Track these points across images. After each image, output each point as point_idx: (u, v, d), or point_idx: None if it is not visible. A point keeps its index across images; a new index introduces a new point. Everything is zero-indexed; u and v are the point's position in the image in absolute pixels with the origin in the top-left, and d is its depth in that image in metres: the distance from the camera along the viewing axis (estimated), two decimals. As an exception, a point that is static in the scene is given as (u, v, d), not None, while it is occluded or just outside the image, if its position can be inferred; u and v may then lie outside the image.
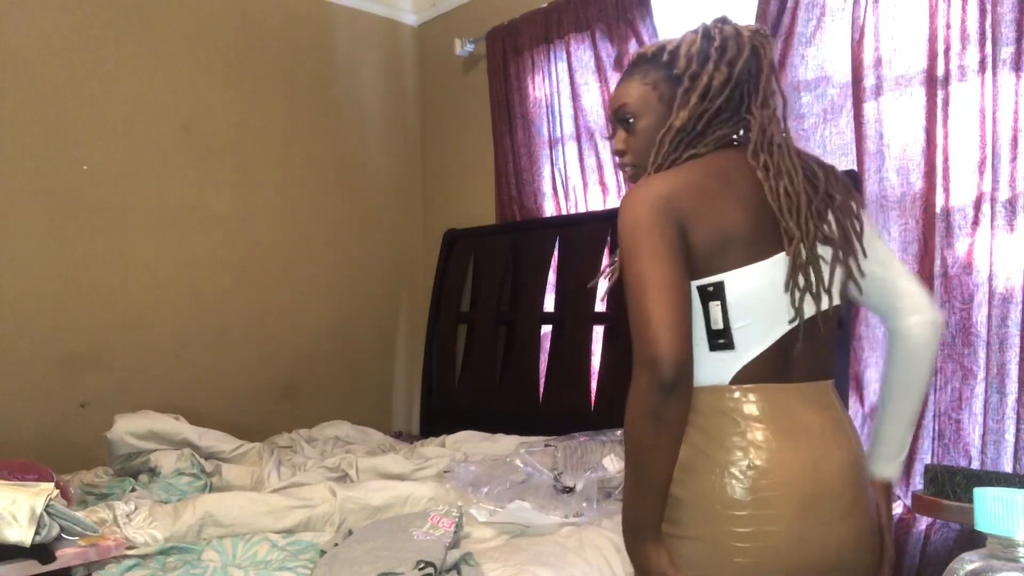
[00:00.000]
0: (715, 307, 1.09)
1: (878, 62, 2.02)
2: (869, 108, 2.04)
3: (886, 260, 1.22)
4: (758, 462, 1.06)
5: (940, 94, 1.91)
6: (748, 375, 1.10)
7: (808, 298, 1.10)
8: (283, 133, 3.18)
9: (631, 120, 1.23)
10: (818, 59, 2.16)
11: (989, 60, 1.82)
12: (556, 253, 2.88)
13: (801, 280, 1.09)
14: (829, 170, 1.20)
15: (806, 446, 1.09)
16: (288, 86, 3.20)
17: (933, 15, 1.92)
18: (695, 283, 1.09)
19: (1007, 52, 1.79)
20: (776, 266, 1.10)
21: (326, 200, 3.31)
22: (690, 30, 1.22)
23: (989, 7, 1.82)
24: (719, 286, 1.09)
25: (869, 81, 2.03)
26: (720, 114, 1.16)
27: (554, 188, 2.97)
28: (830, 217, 1.15)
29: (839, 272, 1.14)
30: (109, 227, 2.72)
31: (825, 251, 1.13)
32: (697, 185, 1.11)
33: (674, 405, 1.03)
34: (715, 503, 1.07)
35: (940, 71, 1.91)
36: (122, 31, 2.76)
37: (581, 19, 2.77)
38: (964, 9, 1.86)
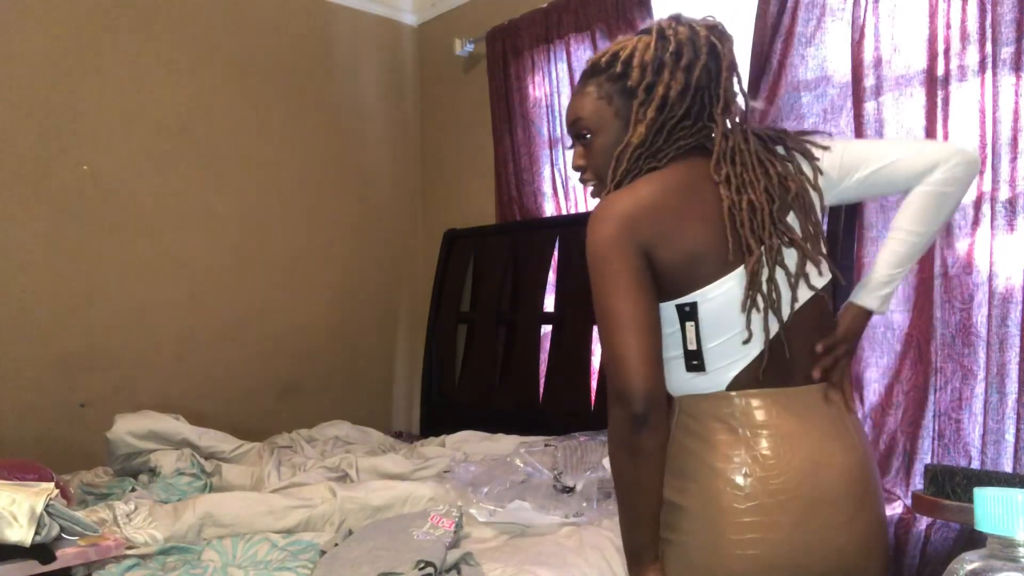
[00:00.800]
0: (690, 328, 1.08)
1: (878, 62, 2.02)
2: (869, 108, 2.03)
3: (875, 155, 1.16)
4: (758, 468, 1.05)
5: (940, 94, 1.91)
6: (746, 381, 1.09)
7: (773, 315, 1.08)
8: (283, 133, 3.18)
9: (587, 136, 1.19)
10: (818, 59, 2.16)
11: (989, 60, 1.82)
12: (556, 253, 2.88)
13: (760, 300, 1.08)
14: (786, 146, 1.17)
15: (807, 451, 1.07)
16: (288, 86, 3.20)
17: (933, 15, 1.92)
18: (672, 303, 1.08)
19: (1007, 52, 1.79)
20: (738, 280, 1.09)
21: (326, 200, 3.31)
22: (643, 30, 1.17)
23: (989, 7, 1.82)
24: (693, 306, 1.08)
25: (869, 81, 2.03)
26: (681, 124, 1.13)
27: (554, 188, 2.97)
28: (791, 219, 1.12)
29: (807, 271, 1.12)
30: (109, 227, 2.72)
31: (791, 253, 1.11)
32: (658, 205, 1.08)
33: (648, 437, 1.04)
34: (715, 510, 1.06)
35: (940, 71, 1.91)
36: (122, 31, 2.76)
37: (581, 19, 2.77)
38: (964, 9, 1.86)
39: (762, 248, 1.08)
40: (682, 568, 1.08)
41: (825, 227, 2.03)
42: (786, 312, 1.10)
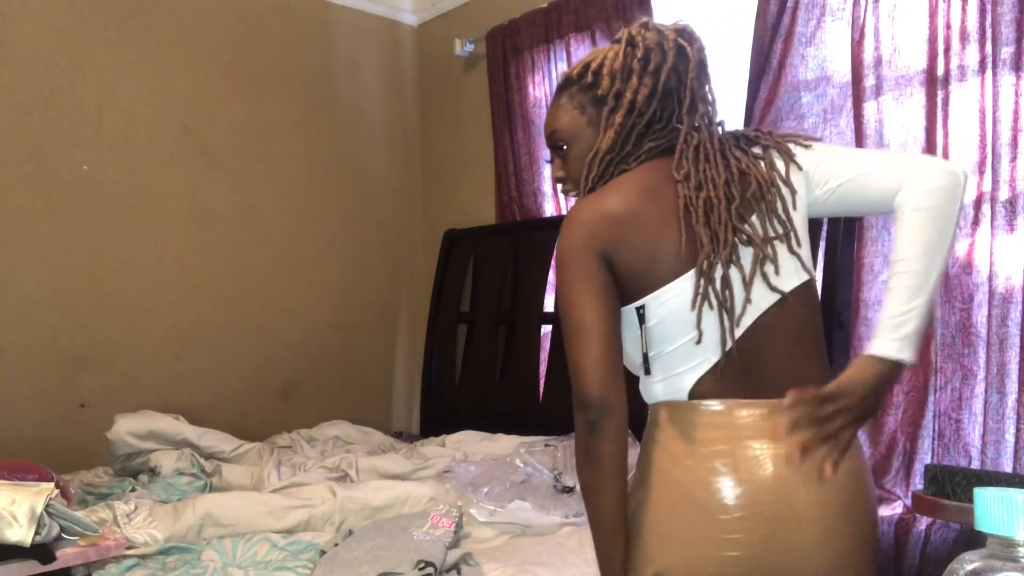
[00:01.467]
0: (643, 331, 1.08)
1: (878, 62, 2.02)
2: (869, 108, 2.03)
3: (848, 165, 1.09)
4: (717, 481, 1.01)
5: (940, 94, 1.91)
6: (707, 389, 1.05)
7: (726, 314, 1.05)
8: (283, 133, 3.18)
9: (564, 147, 1.20)
10: (818, 59, 2.16)
11: (989, 60, 1.82)
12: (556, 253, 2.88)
13: (712, 298, 1.04)
14: (762, 144, 1.13)
15: (774, 465, 1.00)
16: (288, 86, 3.20)
17: (933, 15, 1.92)
18: (631, 306, 1.08)
19: (1007, 52, 1.79)
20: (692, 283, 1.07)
21: (326, 200, 3.31)
22: (615, 39, 1.18)
23: (989, 7, 1.82)
24: (643, 308, 1.07)
25: (869, 81, 2.03)
26: (651, 127, 1.13)
27: (554, 188, 2.97)
28: (753, 218, 1.08)
29: (765, 271, 1.06)
30: (109, 227, 2.72)
31: (747, 252, 1.07)
32: (620, 210, 1.08)
33: (599, 443, 1.04)
34: (695, 524, 1.02)
35: (940, 71, 1.91)
36: (122, 31, 2.76)
37: (581, 19, 2.77)
38: (964, 9, 1.86)
39: (713, 243, 1.05)
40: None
41: (825, 230, 2.05)
42: (740, 312, 1.05)
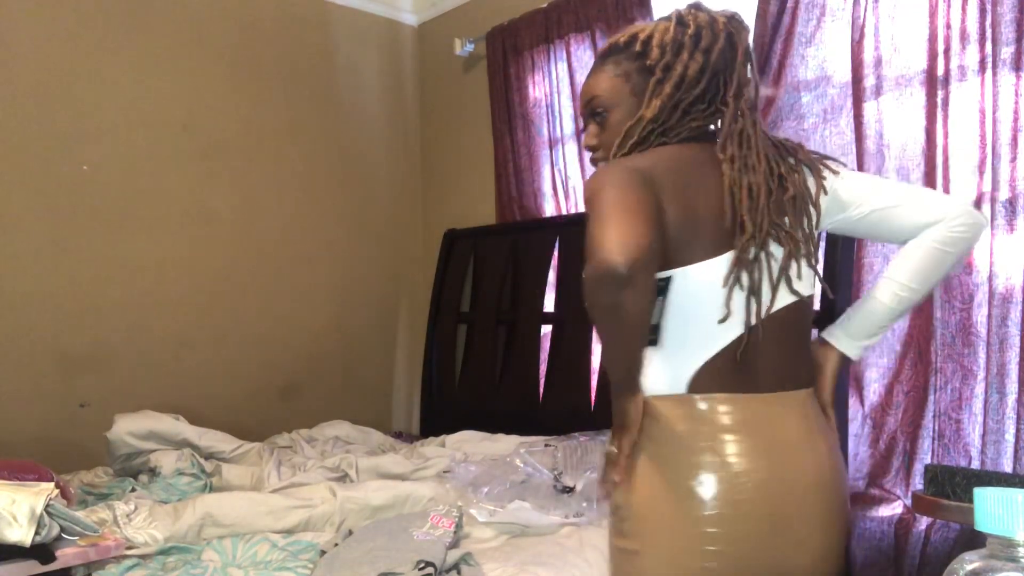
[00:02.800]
0: (659, 302, 1.05)
1: (878, 62, 2.02)
2: (869, 108, 2.03)
3: (877, 194, 1.14)
4: (721, 477, 1.01)
5: (940, 94, 1.91)
6: (706, 383, 1.05)
7: (753, 298, 1.06)
8: (283, 133, 3.18)
9: (603, 113, 1.18)
10: (818, 59, 2.16)
11: (989, 60, 1.82)
12: (556, 253, 2.88)
13: (744, 278, 1.05)
14: (797, 157, 1.16)
15: (778, 460, 1.03)
16: (288, 86, 3.20)
17: (933, 15, 1.92)
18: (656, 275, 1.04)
19: (1007, 52, 1.78)
20: (727, 264, 1.06)
21: (326, 200, 3.31)
22: (663, 17, 1.17)
23: (989, 7, 1.82)
24: (668, 282, 1.05)
25: (869, 81, 2.03)
26: (695, 105, 1.13)
27: (554, 188, 2.97)
28: (785, 219, 1.11)
29: (792, 271, 1.09)
30: (109, 227, 2.72)
31: (778, 250, 1.09)
32: (663, 172, 1.06)
33: (631, 297, 0.94)
34: (677, 519, 1.02)
35: (940, 71, 1.91)
36: (122, 31, 2.76)
37: (581, 19, 2.77)
38: (964, 9, 1.86)
39: (755, 229, 1.06)
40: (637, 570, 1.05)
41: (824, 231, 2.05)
42: (766, 301, 1.07)
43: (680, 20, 1.14)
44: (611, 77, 1.18)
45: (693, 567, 1.01)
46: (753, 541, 1.01)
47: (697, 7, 1.16)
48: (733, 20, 1.15)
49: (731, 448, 1.03)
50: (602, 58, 1.21)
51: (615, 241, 0.93)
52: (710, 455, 1.03)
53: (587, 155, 1.30)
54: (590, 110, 1.21)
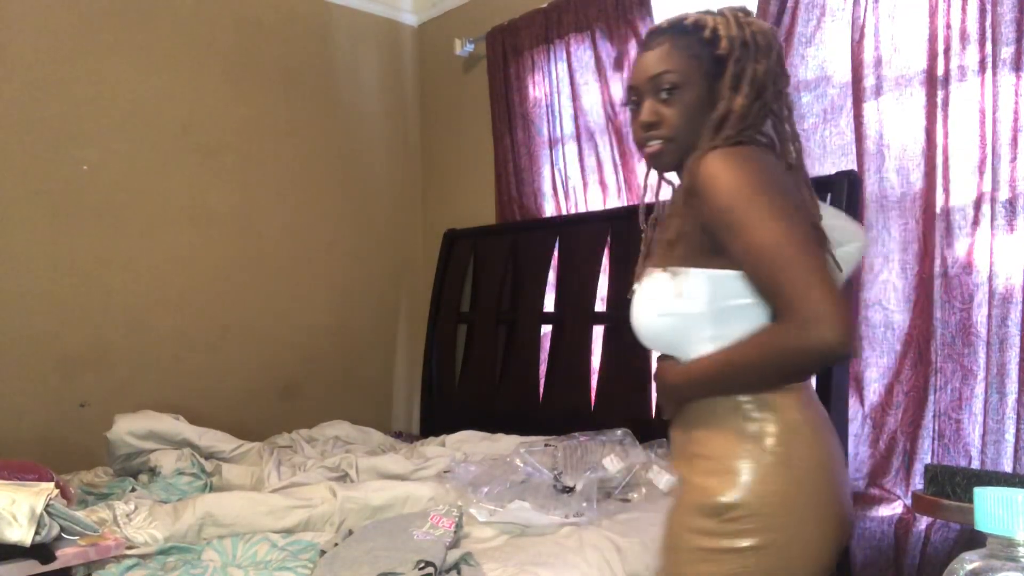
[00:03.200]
0: None
1: (878, 62, 2.02)
2: (869, 108, 2.04)
3: None
4: (830, 462, 1.09)
5: (940, 94, 1.91)
6: None
7: None
8: (283, 133, 3.18)
9: (672, 91, 1.13)
10: (818, 59, 2.16)
11: (989, 60, 1.82)
12: (556, 253, 2.88)
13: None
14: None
15: (835, 440, 1.12)
16: (288, 86, 3.20)
17: (933, 15, 1.92)
18: None
19: (1007, 52, 1.79)
20: None
21: (326, 200, 3.31)
22: (709, 12, 1.15)
23: (989, 7, 1.82)
24: None
25: (869, 81, 2.03)
26: (763, 108, 1.13)
27: (554, 188, 2.97)
28: None
29: None
30: (109, 227, 2.72)
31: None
32: (785, 176, 1.11)
33: (812, 371, 1.09)
34: (810, 508, 1.05)
35: (940, 71, 1.91)
36: (122, 31, 2.76)
37: (581, 19, 2.77)
38: (964, 9, 1.86)
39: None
40: (782, 567, 1.05)
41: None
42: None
43: (738, 20, 1.13)
44: (684, 55, 1.13)
45: (824, 552, 1.07)
46: (839, 512, 1.09)
47: (745, 12, 1.16)
48: (774, 31, 1.16)
49: (823, 433, 1.10)
50: (660, 35, 1.16)
51: (833, 315, 0.94)
52: (820, 442, 1.09)
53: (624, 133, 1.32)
54: (655, 85, 1.14)
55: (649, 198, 1.29)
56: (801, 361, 1.00)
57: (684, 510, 1.11)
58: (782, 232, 0.98)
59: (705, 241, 1.08)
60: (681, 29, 1.15)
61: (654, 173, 1.26)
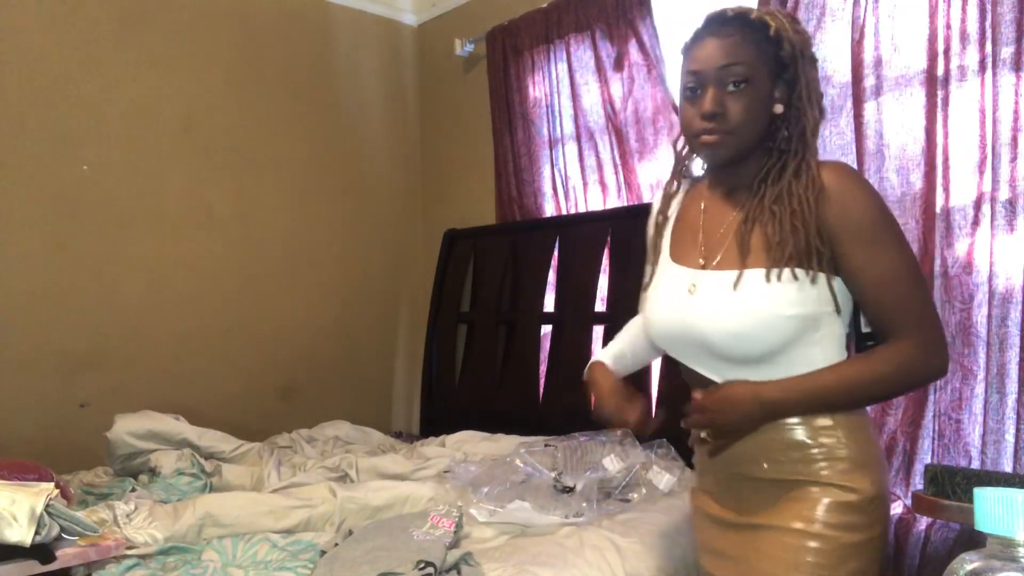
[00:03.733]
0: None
1: (878, 62, 2.02)
2: (869, 108, 2.03)
3: None
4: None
5: (940, 94, 1.91)
6: None
7: None
8: (283, 133, 3.18)
9: (740, 83, 1.09)
10: (818, 59, 2.15)
11: (989, 60, 1.82)
12: (556, 253, 2.88)
13: None
14: None
15: None
16: (288, 86, 3.20)
17: (933, 15, 1.92)
18: None
19: (1007, 52, 1.78)
20: None
21: (326, 200, 3.31)
22: (767, 11, 1.12)
23: (989, 7, 1.81)
24: None
25: (869, 81, 2.03)
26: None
27: (554, 188, 2.97)
28: None
29: None
30: (109, 227, 2.72)
31: None
32: None
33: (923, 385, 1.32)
34: (888, 493, 1.18)
35: (940, 71, 1.91)
36: (122, 31, 2.76)
37: (581, 19, 2.77)
38: (964, 9, 1.86)
39: None
40: (868, 563, 1.12)
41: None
42: None
43: (793, 24, 1.12)
44: (755, 51, 1.09)
45: (887, 530, 1.20)
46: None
47: (793, 20, 1.15)
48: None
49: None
50: (727, 24, 1.11)
51: (946, 346, 1.12)
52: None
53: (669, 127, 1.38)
54: (724, 75, 1.09)
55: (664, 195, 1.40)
56: (922, 380, 1.19)
57: (828, 512, 1.11)
58: (913, 259, 1.12)
59: (818, 245, 1.09)
60: (749, 23, 1.10)
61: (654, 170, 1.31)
